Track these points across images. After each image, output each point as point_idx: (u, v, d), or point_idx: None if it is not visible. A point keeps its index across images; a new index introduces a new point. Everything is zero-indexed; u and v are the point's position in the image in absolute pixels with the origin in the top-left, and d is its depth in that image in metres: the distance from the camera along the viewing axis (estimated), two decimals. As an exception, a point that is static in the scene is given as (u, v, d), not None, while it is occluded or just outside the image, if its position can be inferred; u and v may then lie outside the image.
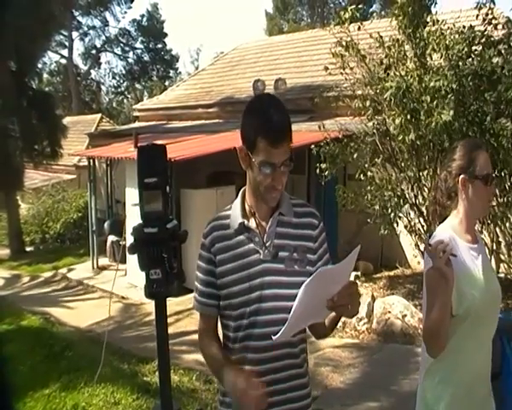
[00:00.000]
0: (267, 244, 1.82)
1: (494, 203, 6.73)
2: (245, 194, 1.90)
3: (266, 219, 1.86)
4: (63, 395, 5.12)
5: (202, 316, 1.95)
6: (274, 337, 1.66)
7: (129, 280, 9.55)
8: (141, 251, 1.20)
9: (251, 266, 1.81)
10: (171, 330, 6.34)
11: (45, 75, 35.23)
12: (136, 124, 16.23)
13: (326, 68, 7.50)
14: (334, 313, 1.74)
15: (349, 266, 1.63)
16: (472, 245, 2.21)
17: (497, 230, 7.32)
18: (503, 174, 6.52)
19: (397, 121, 6.44)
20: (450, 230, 2.21)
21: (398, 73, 6.66)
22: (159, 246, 1.19)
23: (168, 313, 6.26)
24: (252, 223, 1.85)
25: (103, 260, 11.75)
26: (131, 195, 9.59)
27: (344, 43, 7.20)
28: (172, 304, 7.74)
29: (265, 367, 1.80)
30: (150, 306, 8.70)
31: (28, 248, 15.81)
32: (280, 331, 1.65)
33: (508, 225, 7.53)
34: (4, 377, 1.49)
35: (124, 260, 10.60)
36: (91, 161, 11.81)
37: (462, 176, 2.20)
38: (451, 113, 5.90)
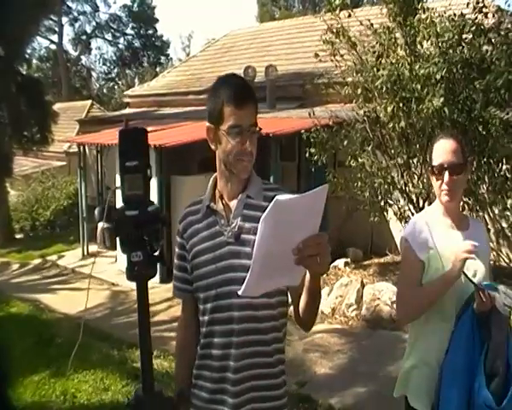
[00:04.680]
0: (232, 226, 1.84)
1: (484, 190, 6.78)
2: (216, 180, 1.93)
3: (234, 201, 1.87)
4: (52, 381, 5.15)
5: (182, 302, 2.05)
6: (239, 292, 1.51)
7: (119, 267, 9.54)
8: (122, 234, 1.20)
9: (217, 248, 1.84)
10: (161, 316, 6.37)
11: (34, 61, 34.89)
12: (127, 110, 16.14)
13: (316, 55, 7.48)
14: (308, 277, 1.59)
15: (315, 208, 1.42)
16: (455, 230, 2.35)
17: (486, 217, 7.38)
18: (491, 162, 6.56)
19: (389, 109, 6.45)
20: (428, 214, 2.45)
21: (389, 61, 6.65)
22: (140, 229, 1.19)
23: (159, 300, 6.28)
24: (218, 206, 1.88)
25: (94, 247, 11.73)
26: (121, 181, 9.55)
27: (334, 30, 7.17)
28: (162, 290, 7.76)
29: (231, 352, 1.81)
30: (140, 292, 8.66)
31: (18, 236, 15.74)
32: (243, 284, 1.47)
33: (497, 212, 7.59)
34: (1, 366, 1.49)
35: (114, 247, 10.60)
36: (82, 147, 11.75)
37: (429, 168, 2.38)
38: (442, 99, 5.92)
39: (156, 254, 1.20)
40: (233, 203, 1.87)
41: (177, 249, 1.96)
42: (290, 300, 1.90)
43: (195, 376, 1.94)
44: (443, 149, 2.30)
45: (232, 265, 1.81)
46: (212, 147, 1.87)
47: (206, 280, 1.85)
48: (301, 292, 1.72)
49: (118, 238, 1.20)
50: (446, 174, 2.25)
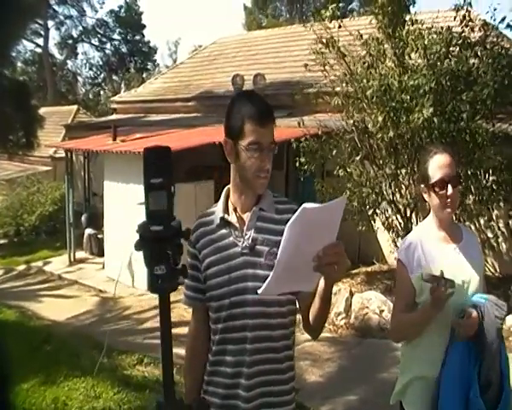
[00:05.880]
0: (246, 237, 1.89)
1: (470, 201, 6.89)
2: (229, 192, 1.98)
3: (247, 213, 1.93)
4: (42, 389, 5.10)
5: (192, 310, 2.07)
6: (259, 291, 1.62)
7: (107, 274, 9.52)
8: (146, 248, 1.24)
9: (231, 258, 1.88)
10: (150, 323, 6.31)
11: (19, 64, 34.58)
12: (114, 116, 16.09)
13: (306, 65, 7.55)
14: (322, 284, 1.69)
15: (334, 218, 1.51)
16: (449, 243, 2.38)
17: (473, 227, 7.49)
18: (478, 173, 6.67)
19: (380, 118, 6.52)
20: (421, 230, 2.47)
21: (378, 72, 6.75)
22: (164, 243, 1.24)
23: (148, 307, 6.25)
24: (232, 217, 1.93)
25: (80, 254, 11.68)
26: (109, 188, 9.55)
27: (324, 41, 7.25)
28: (151, 298, 7.72)
29: (244, 359, 1.86)
30: (128, 300, 8.67)
31: (2, 241, 15.56)
32: (264, 284, 1.59)
33: (482, 222, 7.71)
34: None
35: (101, 254, 10.56)
36: (69, 153, 11.70)
37: (422, 186, 2.41)
38: (431, 110, 6.02)
39: (178, 267, 1.25)
40: (246, 215, 1.92)
41: (188, 259, 2.00)
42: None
43: (206, 382, 1.99)
44: (440, 164, 2.33)
45: (246, 275, 1.86)
46: (229, 160, 1.91)
47: (219, 290, 1.89)
48: (311, 300, 1.80)
49: (142, 252, 1.25)
50: (450, 187, 2.29)
